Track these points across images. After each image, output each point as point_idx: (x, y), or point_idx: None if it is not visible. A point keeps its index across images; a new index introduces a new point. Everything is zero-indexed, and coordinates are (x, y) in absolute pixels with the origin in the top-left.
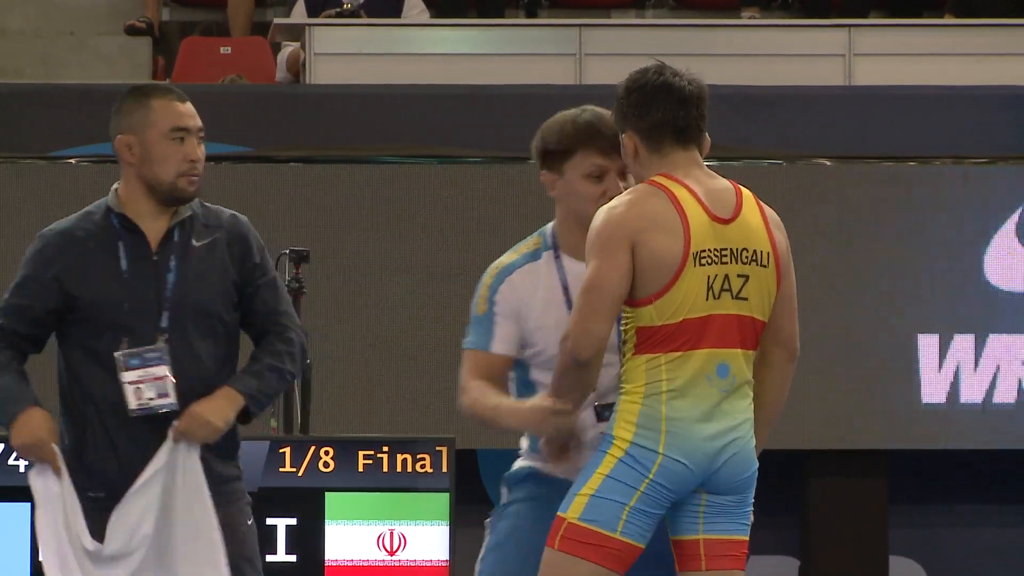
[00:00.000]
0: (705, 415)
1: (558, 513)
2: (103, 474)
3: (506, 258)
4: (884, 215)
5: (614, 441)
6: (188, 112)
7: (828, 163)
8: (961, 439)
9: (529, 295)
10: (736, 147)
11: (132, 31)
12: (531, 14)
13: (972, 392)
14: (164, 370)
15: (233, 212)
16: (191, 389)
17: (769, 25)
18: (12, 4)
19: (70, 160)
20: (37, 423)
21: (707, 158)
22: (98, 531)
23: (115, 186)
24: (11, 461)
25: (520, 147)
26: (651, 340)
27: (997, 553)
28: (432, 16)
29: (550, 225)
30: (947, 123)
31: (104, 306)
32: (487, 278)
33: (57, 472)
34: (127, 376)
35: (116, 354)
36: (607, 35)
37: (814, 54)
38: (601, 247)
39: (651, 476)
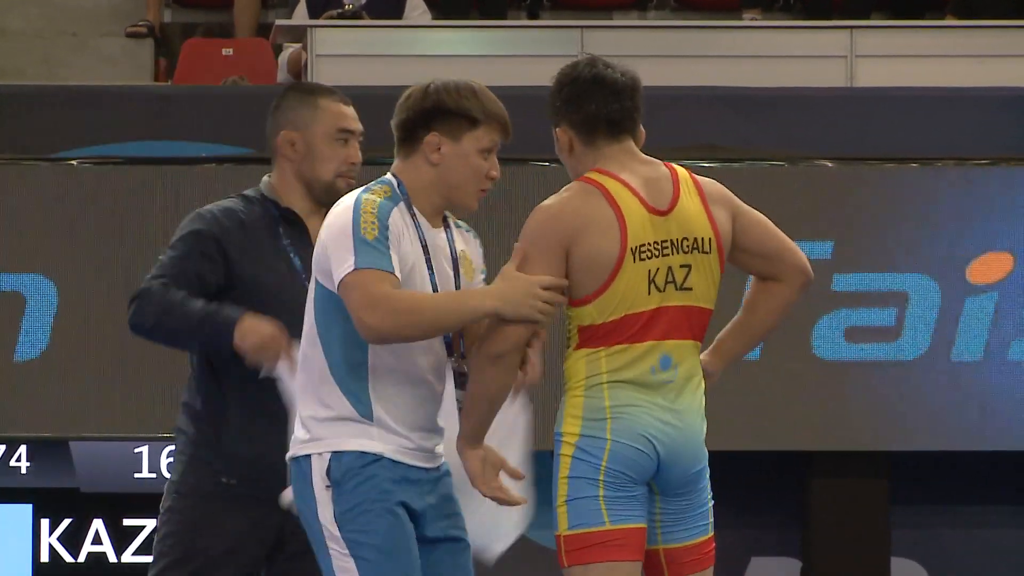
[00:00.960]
0: (649, 404)
1: (555, 534)
2: (237, 461)
3: (372, 195)
4: (886, 216)
5: (563, 438)
6: (353, 115)
7: (830, 164)
8: (963, 440)
9: (403, 237)
10: (737, 148)
11: (132, 35)
12: (533, 15)
13: (974, 393)
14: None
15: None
16: None
17: (770, 26)
18: (13, 4)
19: (71, 161)
20: (259, 323)
21: (708, 159)
22: (224, 521)
23: (266, 178)
24: (12, 462)
25: (522, 148)
26: (593, 336)
27: (998, 554)
28: (434, 17)
29: (392, 179)
30: (949, 124)
31: (270, 288)
32: (366, 205)
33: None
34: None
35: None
36: (609, 36)
37: (816, 55)
38: (534, 251)
39: (604, 463)
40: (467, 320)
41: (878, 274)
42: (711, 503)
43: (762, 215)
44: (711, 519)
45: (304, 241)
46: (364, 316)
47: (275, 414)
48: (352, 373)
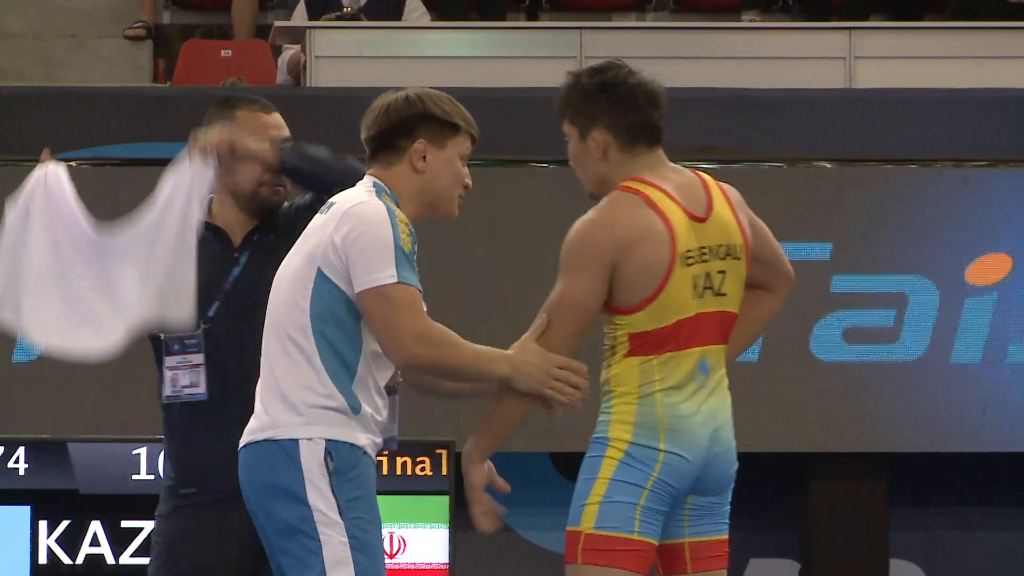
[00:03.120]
0: (695, 410)
1: (568, 528)
2: (188, 469)
3: (386, 201)
4: (884, 218)
5: (610, 443)
6: (272, 123)
7: (828, 166)
8: (962, 442)
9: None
10: (737, 150)
11: (130, 37)
12: (532, 17)
13: (973, 395)
14: (199, 358)
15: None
16: (228, 378)
17: (770, 27)
18: (12, 6)
19: (70, 163)
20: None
21: (707, 161)
22: (191, 533)
23: (211, 195)
24: (11, 464)
25: (521, 149)
26: (645, 343)
27: (997, 556)
28: (433, 19)
29: (383, 186)
30: (948, 126)
31: (203, 302)
32: (400, 216)
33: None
34: (168, 361)
35: (161, 336)
36: (608, 38)
37: (815, 56)
38: (576, 263)
39: (655, 474)
40: (482, 379)
41: (877, 275)
42: (729, 507)
43: (767, 232)
44: (727, 521)
45: (225, 246)
46: (409, 345)
47: (221, 411)
48: (343, 367)
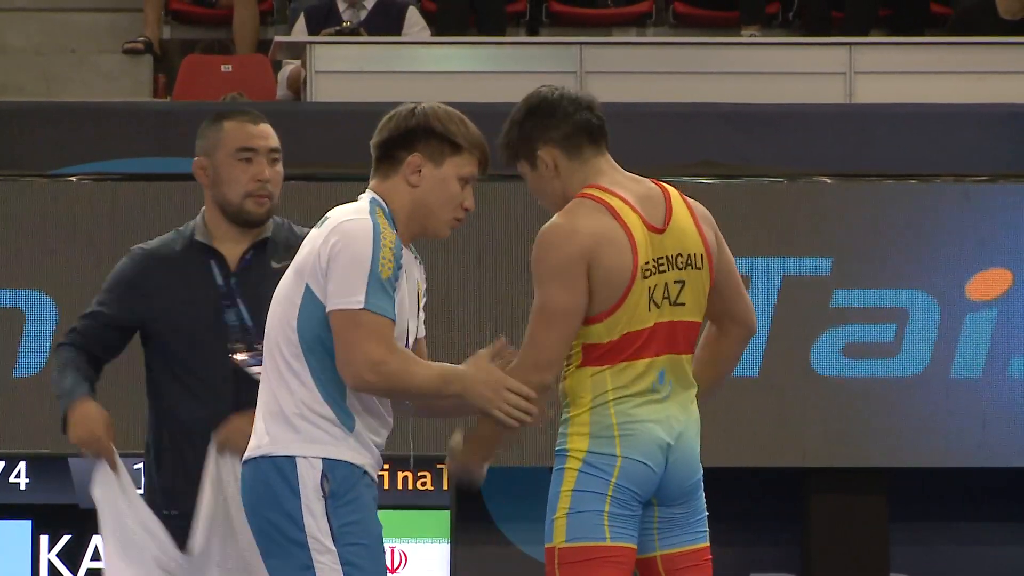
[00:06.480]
0: (650, 417)
1: (545, 545)
2: (175, 493)
3: (382, 223)
4: (885, 233)
5: (568, 454)
6: (259, 133)
7: (829, 181)
8: (962, 457)
9: (404, 275)
10: (736, 165)
11: (130, 52)
12: (532, 32)
13: (974, 410)
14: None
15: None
16: (221, 404)
17: (770, 43)
18: (13, 21)
19: (71, 178)
20: (90, 416)
21: (707, 176)
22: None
23: (203, 209)
24: (11, 479)
25: None
26: (597, 354)
27: (997, 571)
28: (433, 34)
29: (379, 201)
30: (948, 141)
31: (197, 323)
32: (386, 237)
33: (114, 468)
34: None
35: (237, 356)
36: (608, 53)
37: (815, 72)
38: (558, 270)
39: (614, 479)
40: (437, 397)
41: (877, 290)
42: (706, 513)
43: (729, 259)
44: (707, 528)
45: (224, 272)
46: (362, 371)
47: (209, 441)
48: (334, 384)
